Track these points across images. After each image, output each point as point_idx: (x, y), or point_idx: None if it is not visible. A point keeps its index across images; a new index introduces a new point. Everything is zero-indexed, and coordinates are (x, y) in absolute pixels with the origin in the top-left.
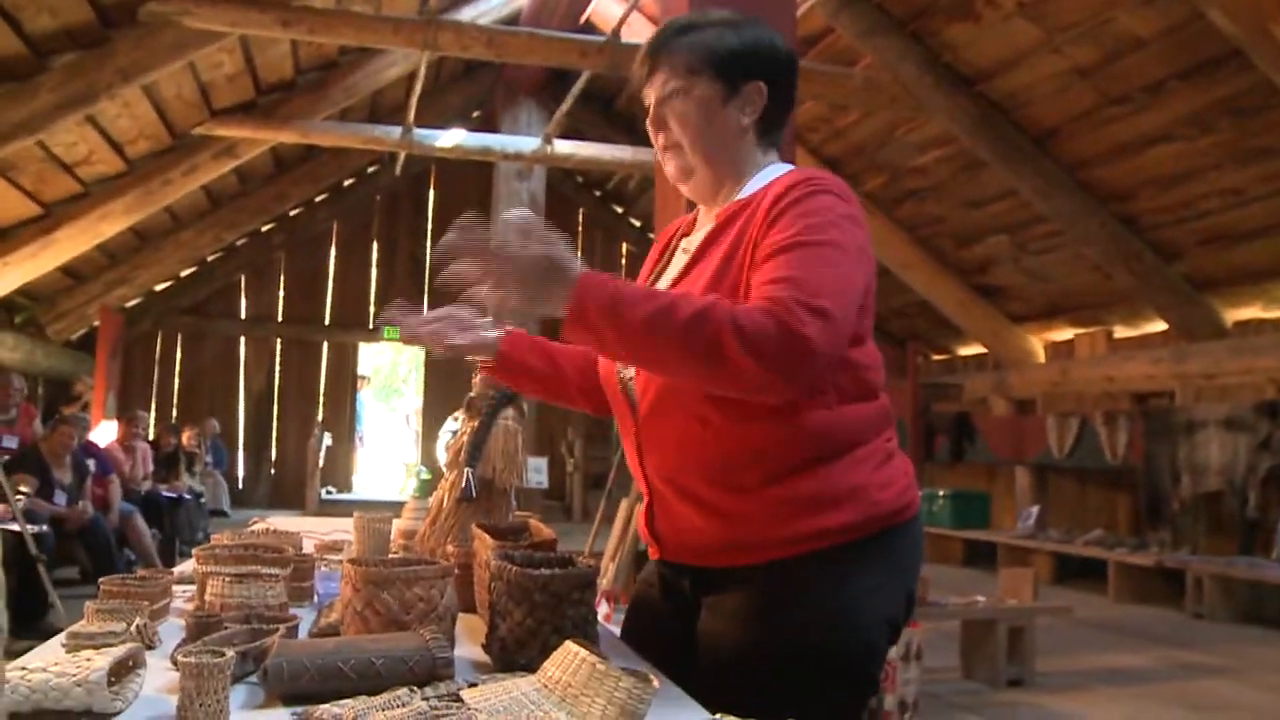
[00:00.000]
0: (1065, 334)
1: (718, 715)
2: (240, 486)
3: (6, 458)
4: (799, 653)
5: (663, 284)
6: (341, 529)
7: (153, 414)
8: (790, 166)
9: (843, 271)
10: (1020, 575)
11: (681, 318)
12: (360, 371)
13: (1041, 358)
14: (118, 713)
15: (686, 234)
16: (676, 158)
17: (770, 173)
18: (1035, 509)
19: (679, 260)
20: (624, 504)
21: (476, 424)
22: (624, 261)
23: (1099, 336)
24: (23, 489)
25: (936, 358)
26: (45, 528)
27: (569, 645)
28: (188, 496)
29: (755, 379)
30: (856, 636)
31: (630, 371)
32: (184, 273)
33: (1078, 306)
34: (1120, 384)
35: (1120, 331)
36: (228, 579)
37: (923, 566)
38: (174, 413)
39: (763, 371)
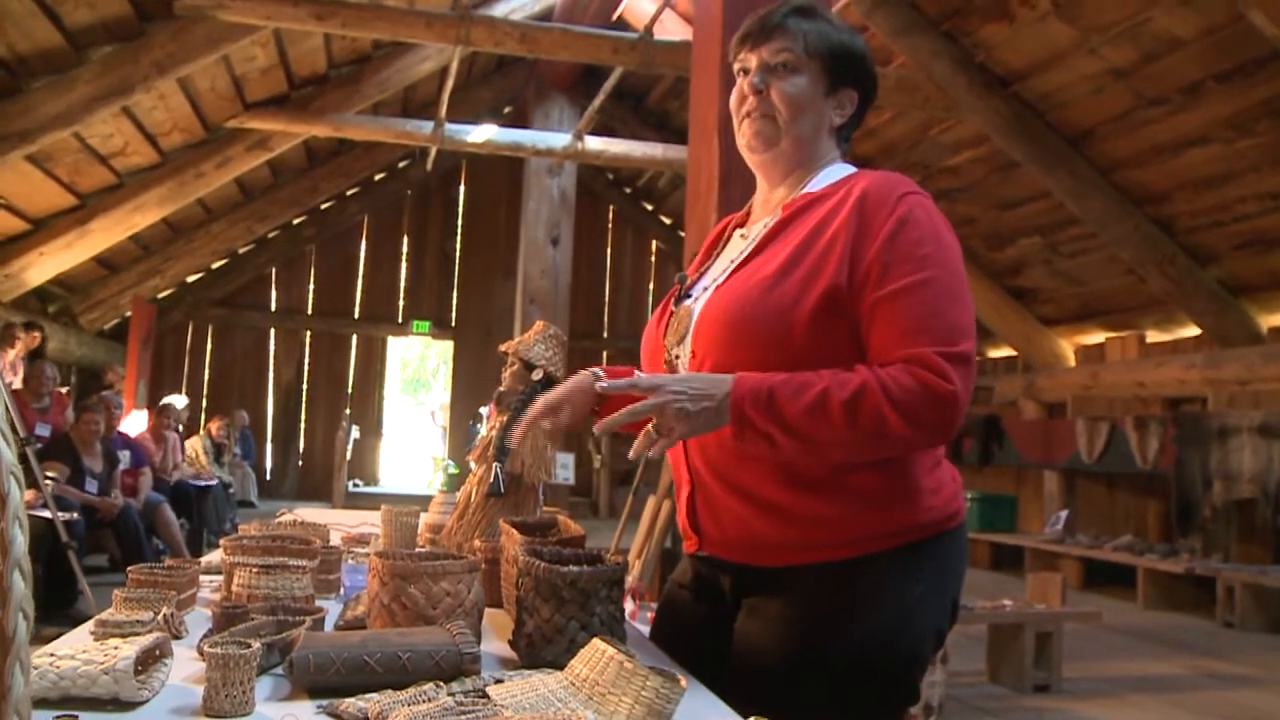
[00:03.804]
0: (1097, 338)
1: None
2: (268, 478)
3: (40, 445)
4: (847, 660)
5: (718, 267)
6: (369, 522)
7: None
8: (853, 168)
9: (967, 300)
10: (1048, 580)
11: (839, 402)
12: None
13: (1072, 361)
14: (144, 702)
15: (741, 224)
16: (763, 124)
17: (838, 170)
18: (1064, 513)
19: (736, 245)
20: (650, 501)
21: (505, 419)
22: (653, 259)
23: (1131, 341)
24: (50, 475)
25: None
26: (76, 515)
27: (597, 643)
28: (212, 483)
29: (917, 444)
30: (906, 646)
31: (681, 350)
32: (215, 264)
33: (1110, 310)
34: (1152, 389)
35: (1153, 336)
36: (255, 570)
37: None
38: (204, 403)
39: (924, 437)
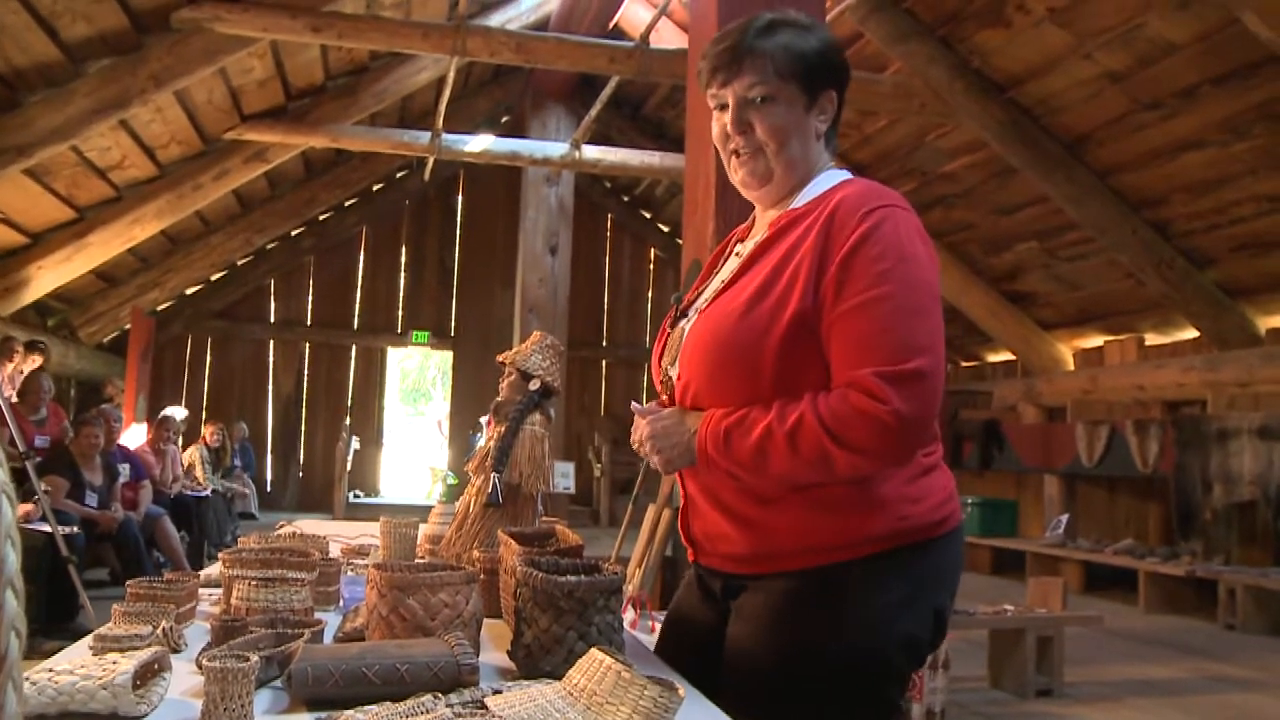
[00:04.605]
0: (1095, 341)
1: None
2: (269, 489)
3: (39, 458)
4: (812, 663)
5: (712, 287)
6: (369, 533)
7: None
8: (845, 174)
9: (929, 313)
10: (1049, 584)
11: (782, 435)
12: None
13: (1071, 365)
14: (142, 716)
15: (743, 238)
16: (754, 162)
17: (825, 180)
18: (1064, 517)
19: (731, 264)
20: (651, 509)
21: (503, 429)
22: (652, 267)
23: (1130, 344)
24: (43, 489)
25: (965, 364)
26: (76, 529)
27: (595, 653)
28: (206, 494)
29: (868, 467)
30: (873, 651)
31: (674, 372)
32: (214, 276)
33: (1108, 313)
34: (1151, 392)
35: (1151, 339)
36: (254, 583)
37: (958, 582)
38: (203, 415)
39: (870, 460)
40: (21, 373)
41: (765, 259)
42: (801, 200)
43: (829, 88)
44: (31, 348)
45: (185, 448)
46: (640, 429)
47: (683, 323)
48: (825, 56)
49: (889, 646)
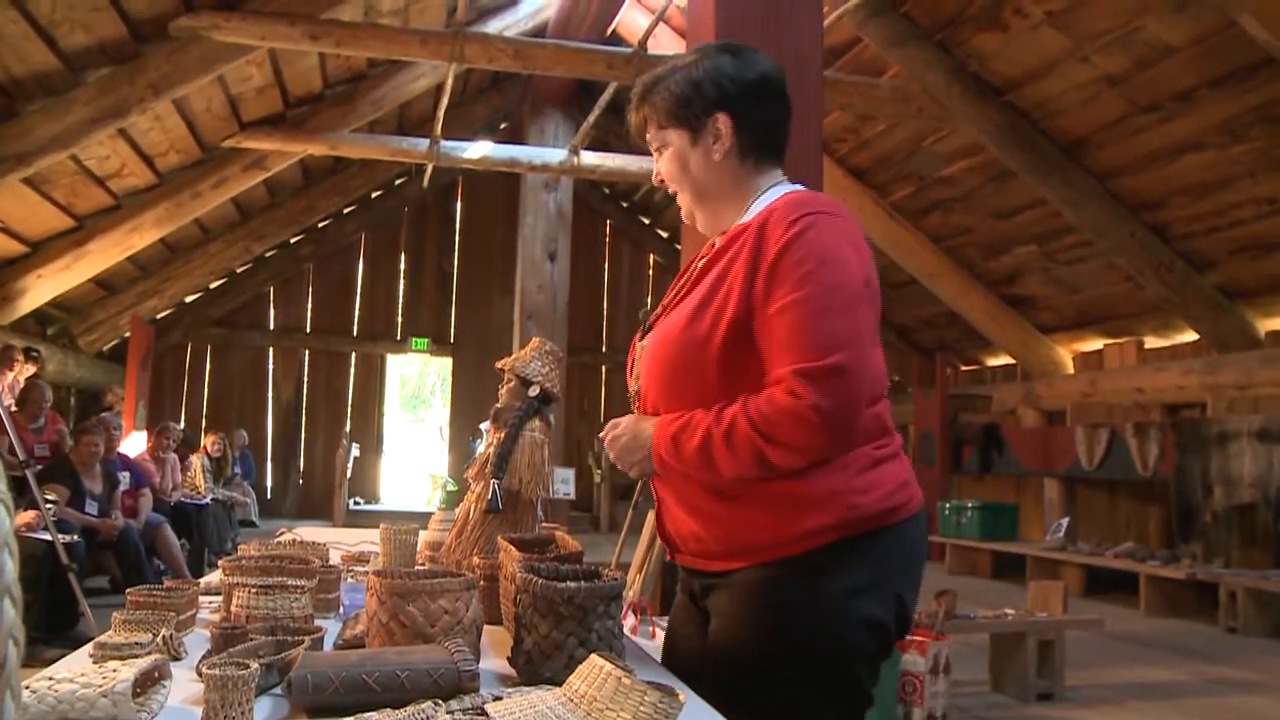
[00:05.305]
0: (1095, 344)
1: None
2: (269, 497)
3: (39, 467)
4: (784, 652)
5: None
6: (369, 540)
7: (181, 423)
8: (792, 188)
9: (849, 312)
10: (1050, 588)
11: (719, 436)
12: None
13: (1070, 368)
14: None
15: (705, 256)
16: (682, 204)
17: (769, 196)
18: (1065, 521)
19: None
20: (651, 514)
21: (503, 436)
22: (650, 272)
23: (1129, 347)
24: (50, 498)
25: (965, 368)
26: (76, 537)
27: (595, 659)
28: (205, 502)
29: (797, 461)
30: (838, 636)
31: (637, 385)
32: (213, 284)
33: (1108, 317)
34: (1151, 395)
35: (1151, 342)
36: (253, 590)
37: (922, 570)
38: (204, 423)
39: (798, 455)
40: (19, 382)
41: (710, 273)
42: (748, 216)
43: (707, 114)
44: (26, 356)
45: (190, 454)
46: (604, 439)
47: (648, 337)
48: (693, 89)
49: (852, 630)
